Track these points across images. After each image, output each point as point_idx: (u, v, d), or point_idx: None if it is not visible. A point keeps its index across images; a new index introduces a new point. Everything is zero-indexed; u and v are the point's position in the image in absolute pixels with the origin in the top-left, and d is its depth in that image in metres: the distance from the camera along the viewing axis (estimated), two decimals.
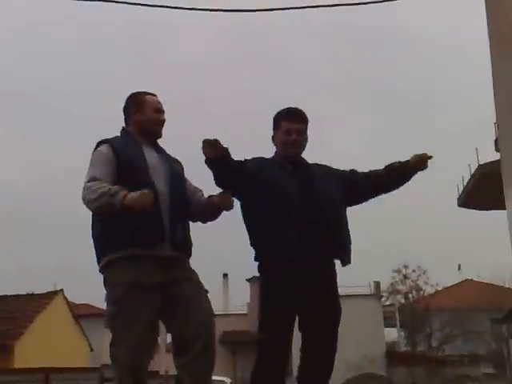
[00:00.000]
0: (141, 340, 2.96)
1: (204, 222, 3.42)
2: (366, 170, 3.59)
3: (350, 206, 3.51)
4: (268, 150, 3.55)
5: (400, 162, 3.46)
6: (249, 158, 3.45)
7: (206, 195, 3.44)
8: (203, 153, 3.10)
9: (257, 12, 6.44)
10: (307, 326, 3.26)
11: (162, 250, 3.06)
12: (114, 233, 3.03)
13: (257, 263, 3.35)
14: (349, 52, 54.04)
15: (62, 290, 20.12)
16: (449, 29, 57.40)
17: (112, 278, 3.06)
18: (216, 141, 3.05)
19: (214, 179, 3.26)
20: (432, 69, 54.48)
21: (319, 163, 3.55)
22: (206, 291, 3.28)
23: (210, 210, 3.37)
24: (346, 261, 3.39)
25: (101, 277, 3.12)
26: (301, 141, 3.44)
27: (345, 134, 54.89)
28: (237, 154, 3.23)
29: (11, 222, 46.45)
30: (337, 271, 3.41)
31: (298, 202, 3.24)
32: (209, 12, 6.29)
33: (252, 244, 3.36)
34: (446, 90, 54.45)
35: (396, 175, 3.48)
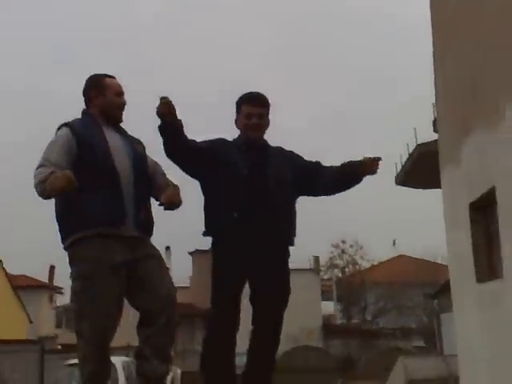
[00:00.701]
0: (106, 315, 3.04)
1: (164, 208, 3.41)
2: (328, 165, 3.60)
3: (303, 194, 3.59)
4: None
5: (353, 164, 3.47)
6: (211, 138, 3.50)
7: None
8: (157, 110, 3.13)
9: None
10: (255, 302, 3.38)
11: (126, 230, 3.12)
12: (78, 213, 3.07)
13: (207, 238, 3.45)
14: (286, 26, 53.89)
15: (1, 261, 19.71)
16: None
17: (78, 255, 3.10)
18: (171, 102, 3.11)
19: (163, 147, 3.29)
20: (377, 45, 55.27)
21: (282, 147, 3.63)
22: (167, 268, 3.37)
23: (159, 195, 3.36)
24: (288, 243, 3.49)
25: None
26: (262, 125, 3.51)
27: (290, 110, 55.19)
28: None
29: None
30: (286, 252, 3.49)
31: (246, 183, 3.33)
32: None
33: (204, 220, 3.45)
34: (389, 66, 55.46)
35: (348, 178, 3.53)
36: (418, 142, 14.52)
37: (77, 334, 3.09)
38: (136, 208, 3.17)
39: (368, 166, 3.44)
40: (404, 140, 15.29)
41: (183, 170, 3.44)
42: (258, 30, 57.54)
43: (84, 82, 3.39)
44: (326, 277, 33.95)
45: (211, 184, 3.40)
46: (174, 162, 3.39)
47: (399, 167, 16.07)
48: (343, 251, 33.86)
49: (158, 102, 3.16)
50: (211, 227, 3.41)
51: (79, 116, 3.35)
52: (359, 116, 55.18)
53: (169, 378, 18.44)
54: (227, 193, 3.33)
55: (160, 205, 3.26)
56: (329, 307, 35.07)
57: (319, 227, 41.41)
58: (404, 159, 15.71)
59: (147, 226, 3.28)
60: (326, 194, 3.69)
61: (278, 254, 3.45)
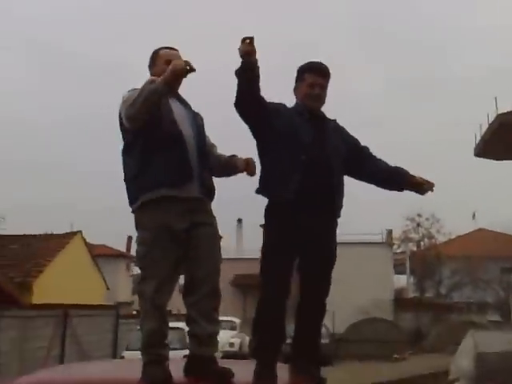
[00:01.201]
0: (165, 279, 3.21)
1: (218, 177, 3.60)
2: (377, 156, 3.68)
3: (346, 173, 3.60)
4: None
5: (407, 175, 3.57)
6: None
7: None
8: (240, 49, 3.14)
9: None
10: (305, 270, 3.42)
11: (191, 190, 3.26)
12: (145, 174, 3.22)
13: (264, 200, 3.47)
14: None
15: (80, 232, 20.59)
16: None
17: (143, 221, 3.27)
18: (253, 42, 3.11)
19: (238, 91, 3.26)
20: (449, 10, 53.14)
21: (337, 122, 3.64)
22: (220, 237, 3.50)
23: (228, 170, 3.57)
24: (338, 214, 3.52)
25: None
26: (323, 95, 3.53)
27: (363, 75, 54.15)
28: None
29: (30, 162, 47.00)
30: (337, 221, 3.53)
31: (309, 149, 3.35)
32: None
33: (261, 179, 3.48)
34: (464, 33, 53.36)
35: (396, 182, 3.62)
36: (499, 112, 13.85)
37: (139, 294, 3.29)
38: (200, 170, 3.32)
39: (418, 186, 3.57)
40: (485, 110, 14.69)
41: (248, 121, 3.43)
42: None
43: None
44: (399, 250, 33.46)
45: (273, 144, 3.42)
46: (243, 110, 3.37)
47: (479, 138, 15.42)
48: (419, 225, 33.14)
49: (240, 43, 3.16)
50: (271, 187, 3.42)
51: None
52: (438, 84, 53.43)
53: (238, 343, 19.01)
54: (290, 156, 3.35)
55: (231, 168, 3.47)
56: (402, 281, 34.67)
57: (394, 201, 40.83)
58: (484, 129, 15.01)
59: (210, 189, 3.42)
60: (367, 182, 3.73)
61: (329, 223, 3.49)
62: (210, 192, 3.42)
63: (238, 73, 3.23)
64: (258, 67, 3.24)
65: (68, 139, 51.87)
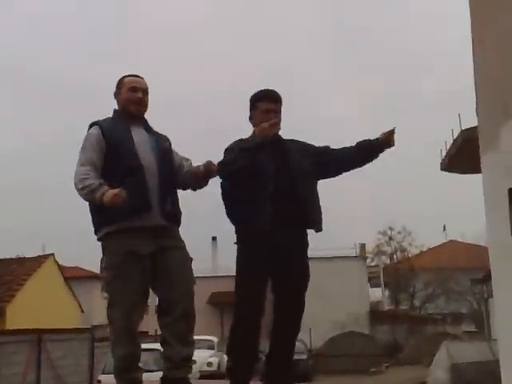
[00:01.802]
0: (133, 303, 3.25)
1: (194, 189, 3.65)
2: (337, 147, 3.76)
3: (320, 179, 3.71)
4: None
5: (370, 140, 3.64)
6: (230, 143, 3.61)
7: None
8: (262, 131, 3.40)
9: None
10: (278, 289, 3.50)
11: (152, 218, 3.28)
12: (106, 208, 3.20)
13: (235, 233, 3.58)
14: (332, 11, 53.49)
15: (52, 254, 20.34)
16: None
17: (109, 247, 3.31)
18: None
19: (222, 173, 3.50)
20: (420, 28, 54.22)
21: (294, 139, 3.74)
22: (191, 259, 3.52)
23: (197, 178, 3.58)
24: (318, 229, 3.61)
25: (98, 245, 3.37)
26: (279, 121, 3.61)
27: (332, 97, 54.73)
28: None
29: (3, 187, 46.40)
30: (307, 240, 3.63)
31: (273, 179, 3.46)
32: None
33: (231, 216, 3.59)
34: (433, 52, 54.39)
35: (365, 152, 3.66)
36: (463, 128, 14.28)
37: (108, 320, 3.31)
38: (161, 199, 3.34)
39: (385, 139, 3.56)
40: (449, 127, 15.05)
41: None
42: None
43: None
44: (373, 264, 33.73)
45: (241, 186, 3.51)
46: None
47: (444, 153, 15.85)
48: (391, 238, 33.53)
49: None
50: (244, 223, 3.52)
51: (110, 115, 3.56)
52: (403, 102, 54.32)
53: (216, 362, 18.88)
54: (257, 191, 3.44)
55: (198, 174, 3.51)
56: (377, 294, 34.87)
57: (366, 216, 41.19)
58: (449, 145, 15.47)
59: (173, 215, 3.43)
60: (343, 170, 3.78)
61: (298, 240, 3.57)
62: (174, 218, 3.44)
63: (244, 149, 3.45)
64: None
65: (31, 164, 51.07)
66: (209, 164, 3.49)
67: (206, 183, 3.62)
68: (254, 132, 3.61)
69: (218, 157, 3.53)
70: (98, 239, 3.38)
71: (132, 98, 3.48)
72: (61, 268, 21.16)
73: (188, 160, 3.66)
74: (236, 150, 3.44)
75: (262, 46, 55.42)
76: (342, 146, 3.74)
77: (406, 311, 31.04)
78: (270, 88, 3.70)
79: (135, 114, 3.50)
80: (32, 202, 46.46)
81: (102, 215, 3.30)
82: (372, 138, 3.63)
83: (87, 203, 3.38)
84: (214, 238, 34.47)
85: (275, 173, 3.48)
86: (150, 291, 3.37)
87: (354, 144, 3.69)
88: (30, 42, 55.35)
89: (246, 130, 3.68)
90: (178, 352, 3.24)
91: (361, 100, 53.44)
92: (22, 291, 17.01)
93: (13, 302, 16.29)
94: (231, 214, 3.57)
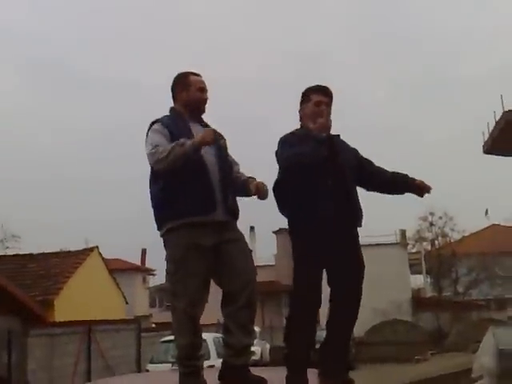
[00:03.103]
0: (196, 294, 3.35)
1: (236, 196, 3.68)
2: (376, 165, 3.83)
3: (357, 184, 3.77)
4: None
5: (407, 178, 3.77)
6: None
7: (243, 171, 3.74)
8: (321, 127, 3.48)
9: None
10: (335, 281, 3.55)
11: (216, 216, 3.38)
12: (172, 203, 3.35)
13: (290, 225, 3.62)
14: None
15: (97, 247, 20.73)
16: None
17: (172, 240, 3.40)
18: None
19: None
20: (457, 9, 52.99)
21: (339, 135, 3.77)
22: (250, 251, 3.64)
23: (243, 192, 3.65)
24: (359, 225, 3.69)
25: (160, 240, 3.48)
26: (327, 114, 3.67)
27: (369, 83, 54.11)
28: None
29: (44, 183, 47.45)
30: (358, 233, 3.70)
31: (331, 175, 3.53)
32: None
33: (287, 212, 3.63)
34: (472, 33, 53.28)
35: (398, 186, 3.81)
36: (505, 110, 14.00)
37: (171, 310, 3.41)
38: (224, 195, 3.43)
39: (419, 189, 3.75)
40: (492, 108, 14.79)
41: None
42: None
43: (172, 80, 3.67)
44: (414, 250, 33.38)
45: (306, 180, 3.56)
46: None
47: (487, 135, 15.57)
48: (432, 224, 33.02)
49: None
50: (303, 218, 3.55)
51: (167, 112, 3.64)
52: (444, 85, 53.33)
53: (259, 351, 19.06)
54: (316, 185, 3.51)
55: (247, 190, 3.53)
56: (418, 281, 34.58)
57: (406, 201, 40.66)
58: (491, 127, 15.18)
59: (234, 211, 3.54)
60: (374, 190, 3.92)
61: (352, 235, 3.63)
62: (235, 213, 3.54)
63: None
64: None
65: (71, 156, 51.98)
66: (261, 187, 3.54)
67: (248, 197, 3.67)
68: (303, 126, 3.69)
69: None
70: (161, 235, 3.48)
71: (201, 97, 3.59)
72: (104, 261, 21.55)
73: (237, 164, 3.75)
74: (311, 142, 3.50)
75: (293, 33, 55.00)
76: (381, 167, 3.82)
77: (450, 298, 30.67)
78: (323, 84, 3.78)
79: (202, 113, 3.62)
80: (72, 193, 47.43)
81: (164, 211, 3.40)
82: (409, 177, 3.76)
83: (149, 196, 3.48)
84: (251, 228, 34.65)
85: (328, 166, 3.54)
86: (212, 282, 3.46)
87: (390, 170, 3.80)
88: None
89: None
90: (239, 340, 3.34)
91: (392, 84, 52.75)
92: (68, 284, 17.36)
93: (60, 295, 16.64)
94: (288, 206, 3.62)
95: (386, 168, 3.85)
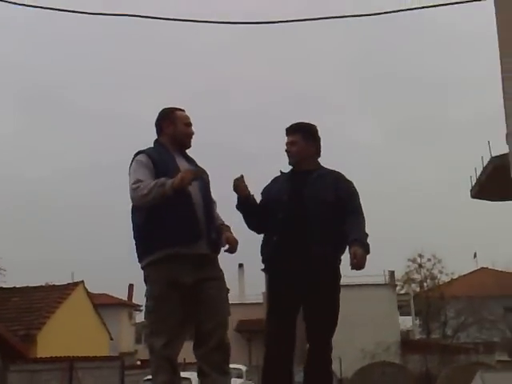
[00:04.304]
0: (174, 333, 3.32)
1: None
2: (351, 212, 3.68)
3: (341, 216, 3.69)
4: None
5: (352, 238, 3.54)
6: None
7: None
8: (235, 191, 3.66)
9: None
10: (308, 318, 3.60)
11: (199, 248, 3.39)
12: (154, 233, 3.36)
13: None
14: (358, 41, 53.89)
15: (82, 282, 20.52)
16: (464, 14, 56.76)
17: (152, 276, 3.40)
18: (242, 177, 3.61)
19: (243, 219, 3.82)
20: (446, 56, 54.13)
21: (333, 170, 3.83)
22: (227, 290, 3.62)
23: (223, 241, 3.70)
24: (329, 261, 3.65)
25: (141, 273, 3.45)
26: (292, 151, 3.82)
27: (364, 124, 54.72)
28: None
29: (27, 216, 47.11)
30: (331, 270, 3.67)
31: (286, 207, 3.62)
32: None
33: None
34: (460, 78, 54.28)
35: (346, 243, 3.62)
36: (493, 155, 14.23)
37: (149, 349, 3.37)
38: (208, 228, 3.44)
39: (352, 258, 3.52)
40: (479, 153, 14.98)
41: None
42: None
43: (157, 114, 3.73)
44: (402, 292, 33.28)
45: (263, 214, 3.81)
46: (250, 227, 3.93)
47: (474, 180, 15.79)
48: (420, 265, 33.01)
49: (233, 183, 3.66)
50: (261, 253, 3.77)
51: (151, 145, 3.68)
52: (434, 128, 54.08)
53: None
54: (270, 220, 3.65)
55: (225, 251, 3.58)
56: (407, 322, 34.32)
57: (395, 243, 40.75)
58: (479, 172, 15.43)
59: (217, 244, 3.54)
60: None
61: (324, 273, 3.61)
62: (216, 248, 3.53)
63: (236, 207, 3.77)
64: (251, 198, 3.72)
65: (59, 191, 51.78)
66: (232, 242, 3.57)
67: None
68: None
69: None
70: (141, 267, 3.46)
71: (187, 132, 3.66)
72: (90, 295, 21.29)
73: (214, 202, 3.74)
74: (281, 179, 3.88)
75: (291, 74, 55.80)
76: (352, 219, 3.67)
77: (438, 340, 30.48)
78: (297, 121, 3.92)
79: (187, 147, 3.69)
80: (60, 231, 47.05)
81: (146, 242, 3.38)
82: (356, 238, 3.55)
83: (128, 231, 3.47)
84: (240, 265, 34.50)
85: (287, 201, 3.65)
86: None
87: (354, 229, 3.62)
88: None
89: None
90: (213, 381, 3.30)
91: (387, 127, 53.48)
92: (52, 318, 17.12)
93: (43, 330, 16.38)
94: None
95: (355, 227, 3.65)
